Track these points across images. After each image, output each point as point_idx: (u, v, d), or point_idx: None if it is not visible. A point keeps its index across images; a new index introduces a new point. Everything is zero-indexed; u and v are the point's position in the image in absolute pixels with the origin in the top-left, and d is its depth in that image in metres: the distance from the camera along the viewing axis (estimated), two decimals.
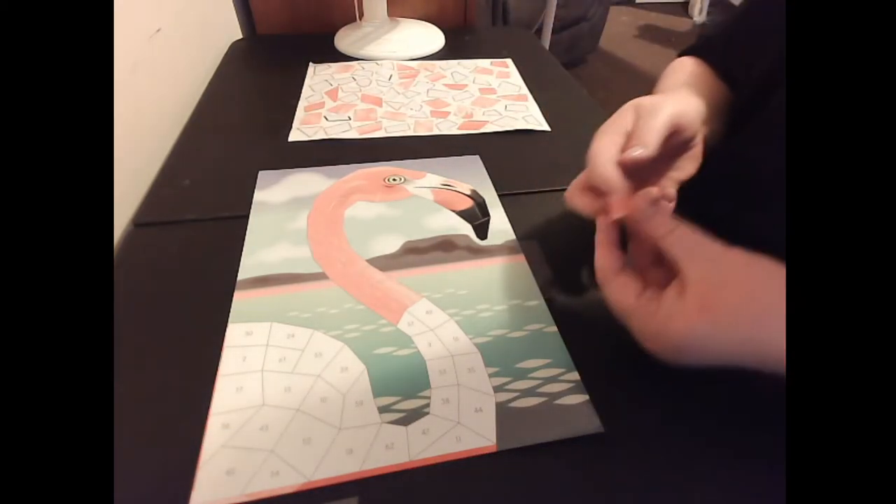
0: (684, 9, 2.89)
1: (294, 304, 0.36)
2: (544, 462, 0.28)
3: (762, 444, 0.29)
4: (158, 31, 0.56)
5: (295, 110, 0.60)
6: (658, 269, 0.30)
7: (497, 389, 0.32)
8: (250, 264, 0.39)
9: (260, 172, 0.49)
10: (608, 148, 0.32)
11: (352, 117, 0.59)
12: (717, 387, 0.32)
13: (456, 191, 0.47)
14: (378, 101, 0.62)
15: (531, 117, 0.60)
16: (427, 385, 0.32)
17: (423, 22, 0.82)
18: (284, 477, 0.27)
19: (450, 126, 0.58)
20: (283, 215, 0.44)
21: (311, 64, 0.70)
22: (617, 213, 0.31)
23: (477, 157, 0.52)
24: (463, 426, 0.30)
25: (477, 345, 0.34)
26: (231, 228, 0.43)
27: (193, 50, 0.67)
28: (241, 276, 0.38)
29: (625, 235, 0.32)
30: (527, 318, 0.36)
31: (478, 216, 0.45)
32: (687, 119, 0.34)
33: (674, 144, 0.34)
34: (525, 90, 0.66)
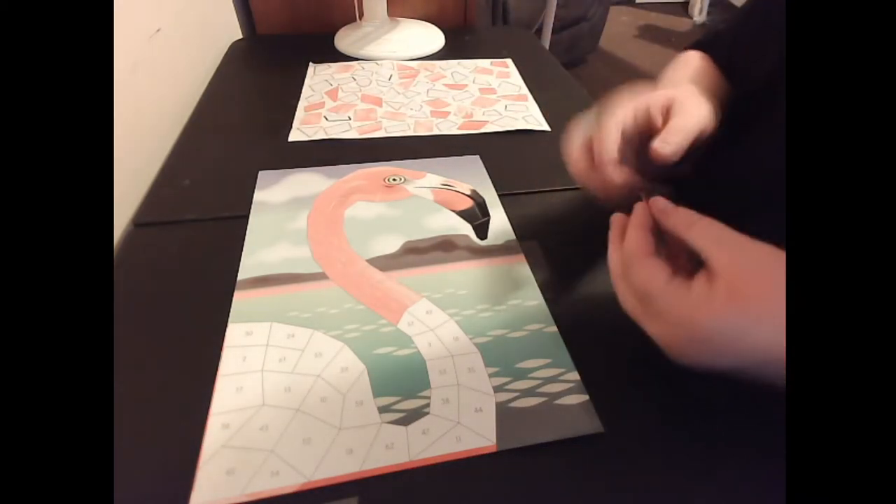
0: (684, 9, 2.89)
1: (294, 304, 0.36)
2: (544, 462, 0.28)
3: (762, 444, 0.29)
4: (158, 31, 0.56)
5: (295, 110, 0.60)
6: (686, 261, 0.29)
7: (497, 389, 0.32)
8: (250, 264, 0.39)
9: (260, 172, 0.49)
10: (617, 124, 0.33)
11: (352, 117, 0.59)
12: (717, 387, 0.32)
13: (456, 191, 0.47)
14: (378, 101, 0.62)
15: (531, 117, 0.60)
16: (427, 385, 0.32)
17: (423, 22, 0.82)
18: (284, 477, 0.27)
19: (450, 126, 0.58)
20: (283, 215, 0.44)
21: (311, 64, 0.70)
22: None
23: (477, 157, 0.52)
24: (463, 426, 0.30)
25: (477, 345, 0.34)
26: (231, 228, 0.43)
27: (193, 50, 0.67)
28: (241, 276, 0.38)
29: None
30: (527, 318, 0.36)
31: (478, 216, 0.45)
32: (706, 129, 0.34)
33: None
34: (525, 90, 0.66)
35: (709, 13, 2.77)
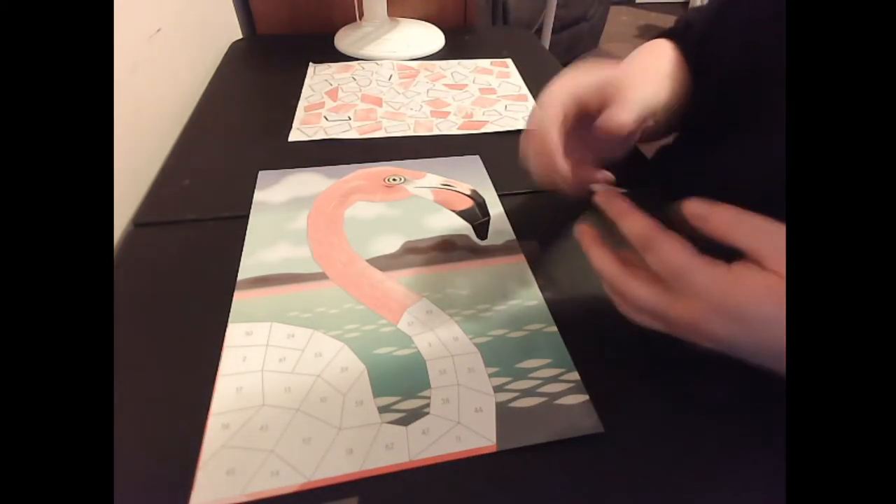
0: (684, 9, 2.89)
1: (294, 304, 0.36)
2: (544, 462, 0.28)
3: (762, 444, 0.29)
4: (158, 31, 0.56)
5: (295, 110, 0.60)
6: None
7: (497, 389, 0.32)
8: (250, 264, 0.39)
9: (260, 172, 0.49)
10: (555, 109, 0.33)
11: (352, 117, 0.59)
12: (717, 387, 0.32)
13: (456, 191, 0.47)
14: (378, 101, 0.62)
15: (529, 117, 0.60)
16: (427, 385, 0.32)
17: (423, 22, 0.82)
18: (284, 477, 0.27)
19: (450, 126, 0.58)
20: (283, 215, 0.44)
21: (311, 64, 0.70)
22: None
23: (477, 157, 0.52)
24: (463, 426, 0.30)
25: (477, 345, 0.34)
26: (231, 228, 0.43)
27: (193, 50, 0.67)
28: (241, 276, 0.38)
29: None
30: (527, 318, 0.36)
31: (478, 216, 0.45)
32: (654, 109, 0.34)
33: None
34: (525, 90, 0.66)
35: None
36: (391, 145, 0.54)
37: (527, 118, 0.59)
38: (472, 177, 0.49)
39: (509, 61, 0.73)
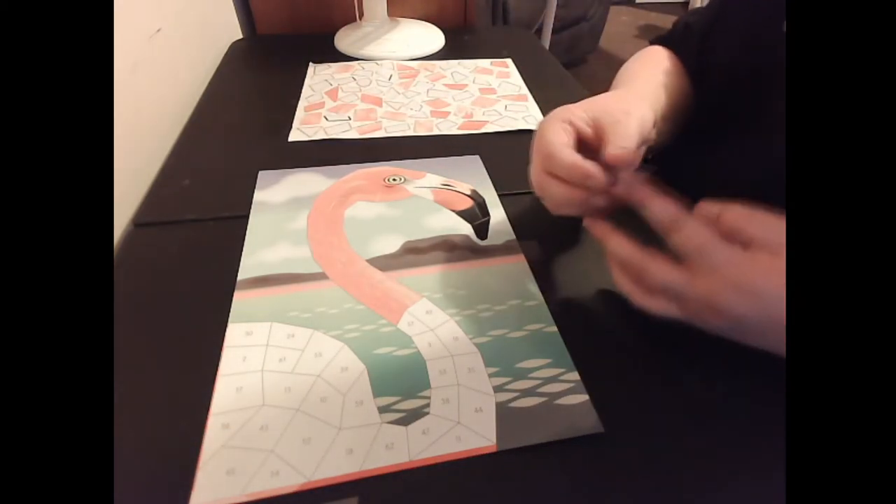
0: (684, 9, 2.89)
1: (294, 304, 0.36)
2: (544, 462, 0.28)
3: (762, 444, 0.29)
4: (158, 31, 0.56)
5: (295, 110, 0.60)
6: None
7: (497, 389, 0.32)
8: (250, 264, 0.39)
9: (260, 172, 0.49)
10: (560, 135, 0.33)
11: (352, 117, 0.59)
12: (717, 386, 0.32)
13: (456, 191, 0.47)
14: (378, 101, 0.62)
15: (531, 117, 0.60)
16: (427, 385, 0.32)
17: (423, 22, 0.82)
18: (284, 477, 0.27)
19: (450, 126, 0.58)
20: (283, 215, 0.44)
21: (311, 64, 0.70)
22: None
23: (477, 157, 0.52)
24: (463, 426, 0.30)
25: (477, 345, 0.34)
26: (231, 228, 0.43)
27: (193, 50, 0.67)
28: (241, 276, 0.38)
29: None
30: (527, 318, 0.36)
31: (478, 216, 0.45)
32: (647, 130, 0.34)
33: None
34: (525, 90, 0.66)
35: None
36: (391, 145, 0.54)
37: (530, 118, 0.59)
38: (472, 177, 0.49)
39: (509, 61, 0.73)
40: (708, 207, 0.29)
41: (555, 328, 0.35)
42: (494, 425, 0.30)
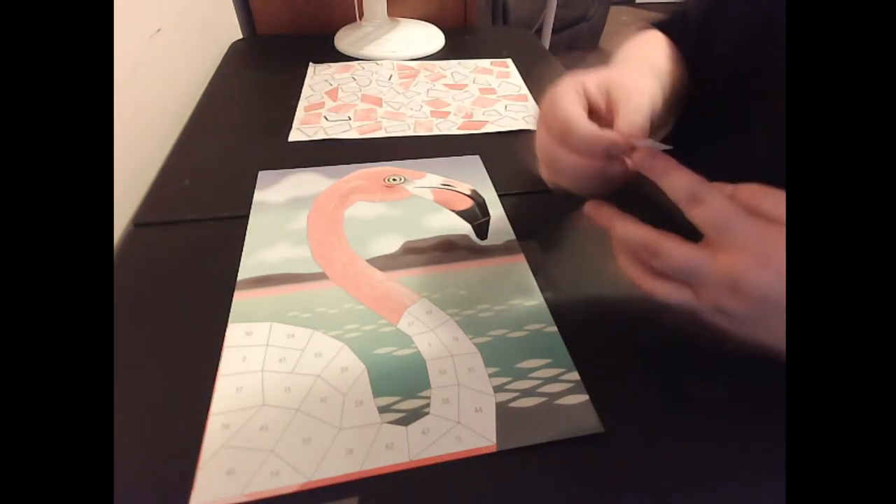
0: None
1: (294, 304, 0.36)
2: (544, 462, 0.28)
3: (762, 445, 0.29)
4: (158, 31, 0.56)
5: (295, 110, 0.60)
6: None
7: (497, 389, 0.32)
8: (250, 264, 0.39)
9: (260, 172, 0.49)
10: (576, 105, 0.31)
11: (352, 117, 0.59)
12: (716, 386, 0.32)
13: (456, 191, 0.47)
14: (378, 101, 0.62)
15: (531, 117, 0.60)
16: (427, 385, 0.32)
17: (423, 22, 0.82)
18: (284, 477, 0.27)
19: (450, 126, 0.58)
20: (283, 215, 0.44)
21: (311, 64, 0.70)
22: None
23: (477, 157, 0.52)
24: (463, 426, 0.30)
25: (477, 345, 0.34)
26: (231, 228, 0.43)
27: (193, 50, 0.67)
28: (241, 276, 0.38)
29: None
30: (527, 318, 0.36)
31: (478, 216, 0.45)
32: (657, 109, 0.33)
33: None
34: (525, 90, 0.66)
35: None
36: (391, 145, 0.54)
37: (530, 118, 0.59)
38: (472, 177, 0.49)
39: (509, 61, 0.73)
40: (721, 187, 0.27)
41: (555, 328, 0.35)
42: (494, 425, 0.30)
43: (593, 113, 0.33)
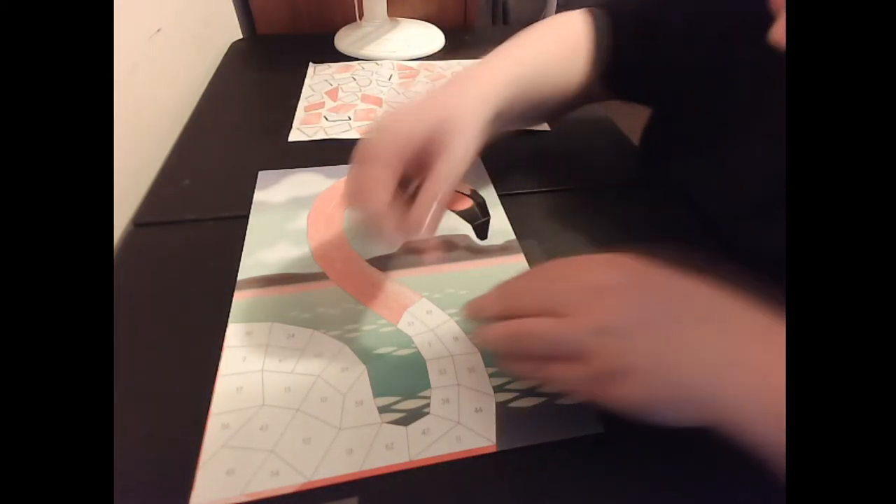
0: None
1: (294, 304, 0.36)
2: (544, 462, 0.28)
3: None
4: (158, 31, 0.56)
5: (295, 110, 0.60)
6: None
7: (497, 389, 0.32)
8: (250, 264, 0.39)
9: (260, 172, 0.49)
10: (383, 185, 0.30)
11: (352, 117, 0.59)
12: None
13: (456, 191, 0.47)
14: (378, 101, 0.62)
15: None
16: (427, 385, 0.32)
17: (423, 22, 0.82)
18: (284, 477, 0.27)
19: None
20: (283, 215, 0.44)
21: (311, 64, 0.70)
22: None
23: (477, 157, 0.52)
24: (463, 426, 0.30)
25: (477, 345, 0.34)
26: (231, 228, 0.43)
27: (193, 50, 0.67)
28: (241, 276, 0.38)
29: None
30: None
31: (478, 216, 0.45)
32: (471, 154, 0.33)
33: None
34: None
35: None
36: None
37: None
38: (472, 177, 0.49)
39: None
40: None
41: None
42: (494, 425, 0.30)
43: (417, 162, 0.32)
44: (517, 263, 0.40)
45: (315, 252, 0.41)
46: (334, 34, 0.78)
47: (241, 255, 0.40)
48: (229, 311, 0.36)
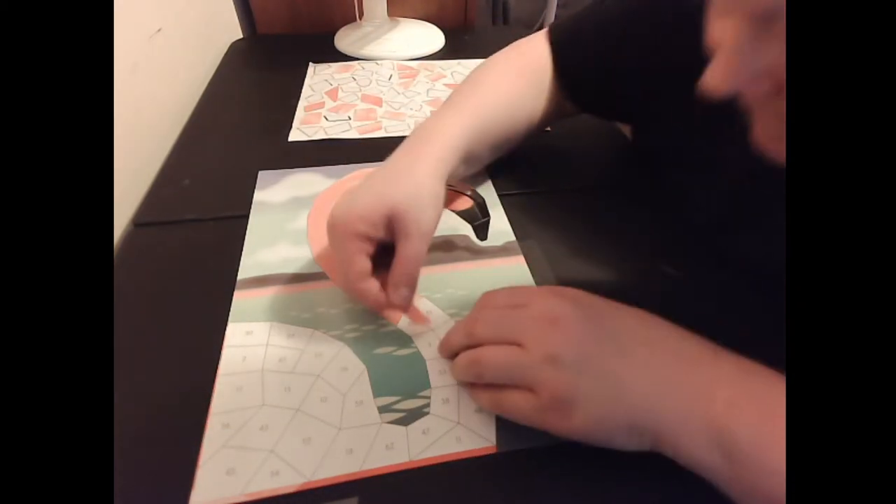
0: None
1: (294, 304, 0.36)
2: (544, 462, 0.28)
3: None
4: (158, 31, 0.56)
5: (295, 110, 0.60)
6: None
7: None
8: (250, 264, 0.39)
9: (260, 172, 0.49)
10: (359, 261, 0.33)
11: (352, 117, 0.59)
12: None
13: (456, 191, 0.47)
14: (378, 101, 0.62)
15: None
16: (427, 385, 0.32)
17: (423, 22, 0.82)
18: (284, 477, 0.27)
19: None
20: (283, 215, 0.44)
21: (311, 64, 0.70)
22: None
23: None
24: (463, 426, 0.30)
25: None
26: (231, 228, 0.43)
27: (193, 50, 0.67)
28: (241, 276, 0.38)
29: None
30: None
31: (478, 216, 0.45)
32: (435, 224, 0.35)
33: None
34: None
35: None
36: (391, 145, 0.54)
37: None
38: (471, 177, 0.49)
39: None
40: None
41: None
42: (494, 426, 0.30)
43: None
44: (517, 264, 0.40)
45: (315, 252, 0.41)
46: (334, 34, 0.78)
47: (241, 255, 0.40)
48: (229, 311, 0.36)
